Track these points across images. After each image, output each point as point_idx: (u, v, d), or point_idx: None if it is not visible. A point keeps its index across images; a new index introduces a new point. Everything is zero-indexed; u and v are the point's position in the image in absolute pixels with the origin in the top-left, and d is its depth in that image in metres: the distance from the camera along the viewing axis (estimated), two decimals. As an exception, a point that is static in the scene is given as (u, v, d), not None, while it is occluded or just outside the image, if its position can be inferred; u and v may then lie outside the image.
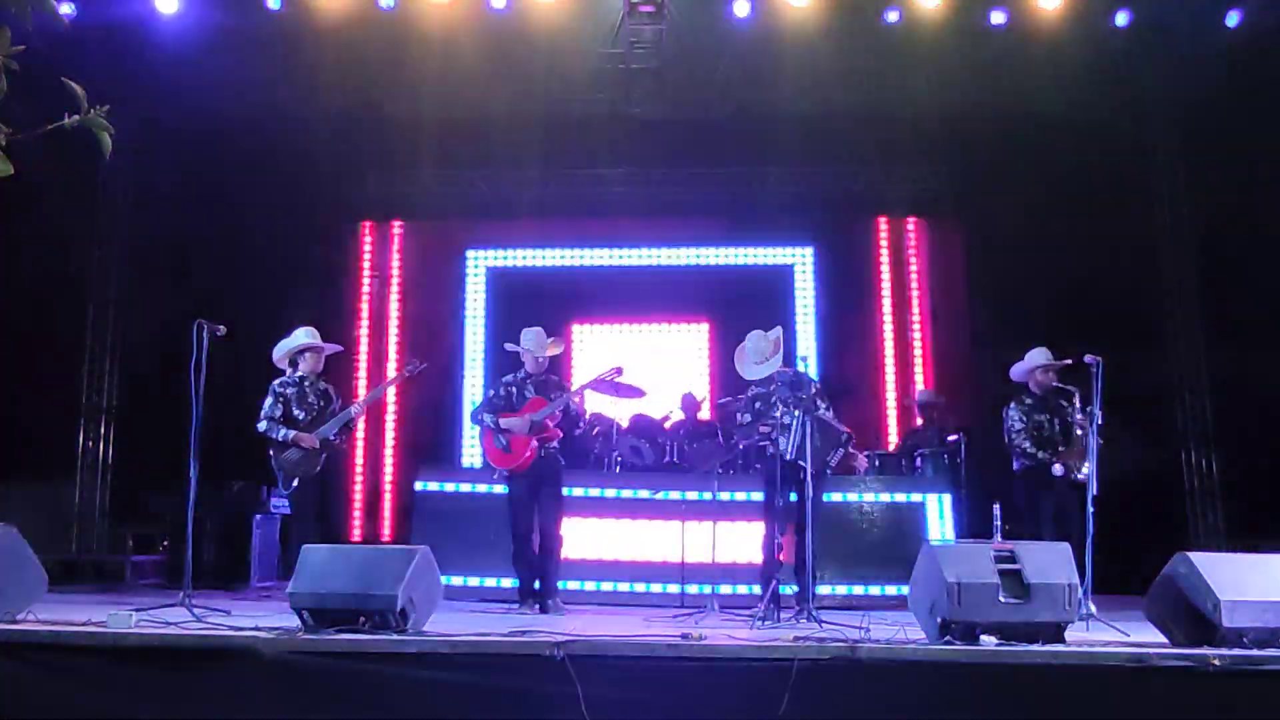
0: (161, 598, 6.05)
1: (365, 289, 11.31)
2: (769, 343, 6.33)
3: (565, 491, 6.65)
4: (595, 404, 8.50)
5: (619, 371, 6.79)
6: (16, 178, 2.16)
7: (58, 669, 4.12)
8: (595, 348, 10.79)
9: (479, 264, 11.33)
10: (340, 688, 4.07)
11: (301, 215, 11.10)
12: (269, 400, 6.39)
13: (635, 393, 7.95)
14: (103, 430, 10.36)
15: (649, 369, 7.17)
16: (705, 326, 11.04)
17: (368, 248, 11.42)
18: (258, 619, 5.03)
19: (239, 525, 8.69)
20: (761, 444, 6.38)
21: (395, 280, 11.32)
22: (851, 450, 6.24)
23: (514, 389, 6.49)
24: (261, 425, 6.34)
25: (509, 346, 6.66)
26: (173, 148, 10.41)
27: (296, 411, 6.37)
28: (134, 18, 9.52)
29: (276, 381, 6.48)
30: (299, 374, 6.49)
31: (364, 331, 11.18)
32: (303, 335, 6.54)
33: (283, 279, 10.98)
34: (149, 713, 4.08)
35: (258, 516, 8.77)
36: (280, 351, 6.57)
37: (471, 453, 10.55)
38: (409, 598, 4.44)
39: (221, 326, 5.74)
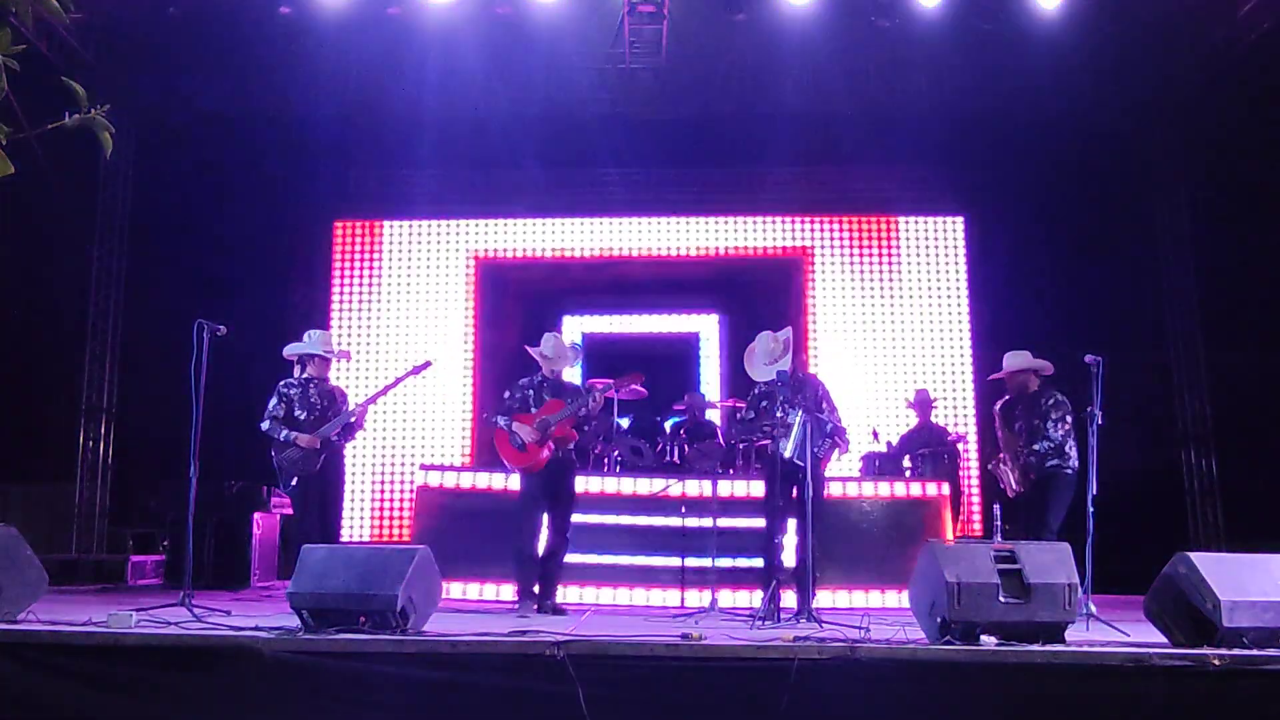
0: (161, 598, 6.06)
1: (365, 288, 11.30)
2: (778, 343, 6.32)
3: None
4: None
5: (639, 378, 6.76)
6: (17, 177, 2.16)
7: (58, 669, 4.12)
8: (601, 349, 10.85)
9: (475, 262, 11.35)
10: (340, 688, 4.07)
11: (302, 214, 11.13)
12: (273, 400, 6.42)
13: (636, 393, 7.95)
14: (103, 430, 10.36)
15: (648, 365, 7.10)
16: (713, 318, 11.08)
17: (368, 247, 11.42)
18: (258, 619, 5.03)
19: (239, 525, 8.69)
20: (762, 444, 6.38)
21: (395, 279, 11.31)
22: (838, 441, 6.21)
23: (530, 392, 6.49)
24: (264, 424, 6.37)
25: (530, 350, 6.65)
26: (173, 147, 10.42)
27: (298, 412, 6.39)
28: (134, 15, 9.52)
29: (282, 382, 6.52)
30: (305, 375, 6.50)
31: (363, 330, 11.17)
32: (311, 341, 6.54)
33: (283, 278, 11.00)
34: (149, 713, 4.08)
35: (258, 516, 8.77)
36: (289, 352, 6.60)
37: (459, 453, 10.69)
38: (409, 598, 4.44)
39: (221, 326, 5.74)
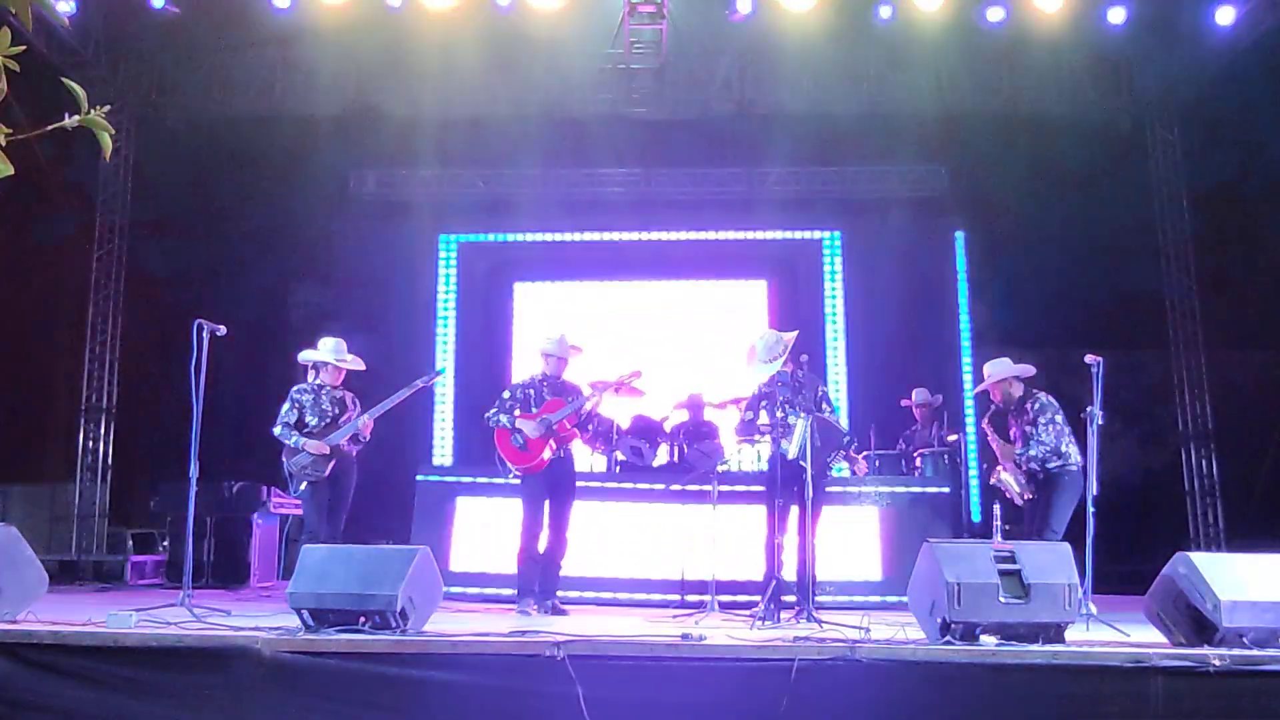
0: (161, 598, 6.05)
1: (366, 289, 11.28)
2: (781, 343, 6.29)
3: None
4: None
5: (638, 375, 6.75)
6: (17, 177, 2.15)
7: (58, 669, 4.12)
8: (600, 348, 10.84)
9: (473, 257, 11.38)
10: (340, 688, 4.07)
11: (301, 214, 11.12)
12: (285, 405, 6.43)
13: (635, 393, 7.93)
14: (103, 430, 10.35)
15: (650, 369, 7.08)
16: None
17: (369, 247, 11.40)
18: (258, 619, 5.03)
19: (239, 525, 8.69)
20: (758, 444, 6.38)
21: (395, 280, 11.30)
22: (851, 454, 6.22)
23: (531, 391, 6.47)
24: (277, 430, 6.37)
25: (536, 348, 6.63)
26: (173, 148, 10.42)
27: (310, 418, 6.39)
28: (134, 15, 9.52)
29: (295, 388, 6.52)
30: (317, 381, 6.50)
31: (365, 332, 11.15)
32: (324, 349, 6.53)
33: (283, 278, 11.01)
34: (149, 713, 4.08)
35: (258, 516, 8.77)
36: (303, 359, 6.60)
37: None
38: (409, 598, 4.44)
39: (221, 326, 5.74)
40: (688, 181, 11.47)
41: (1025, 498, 6.20)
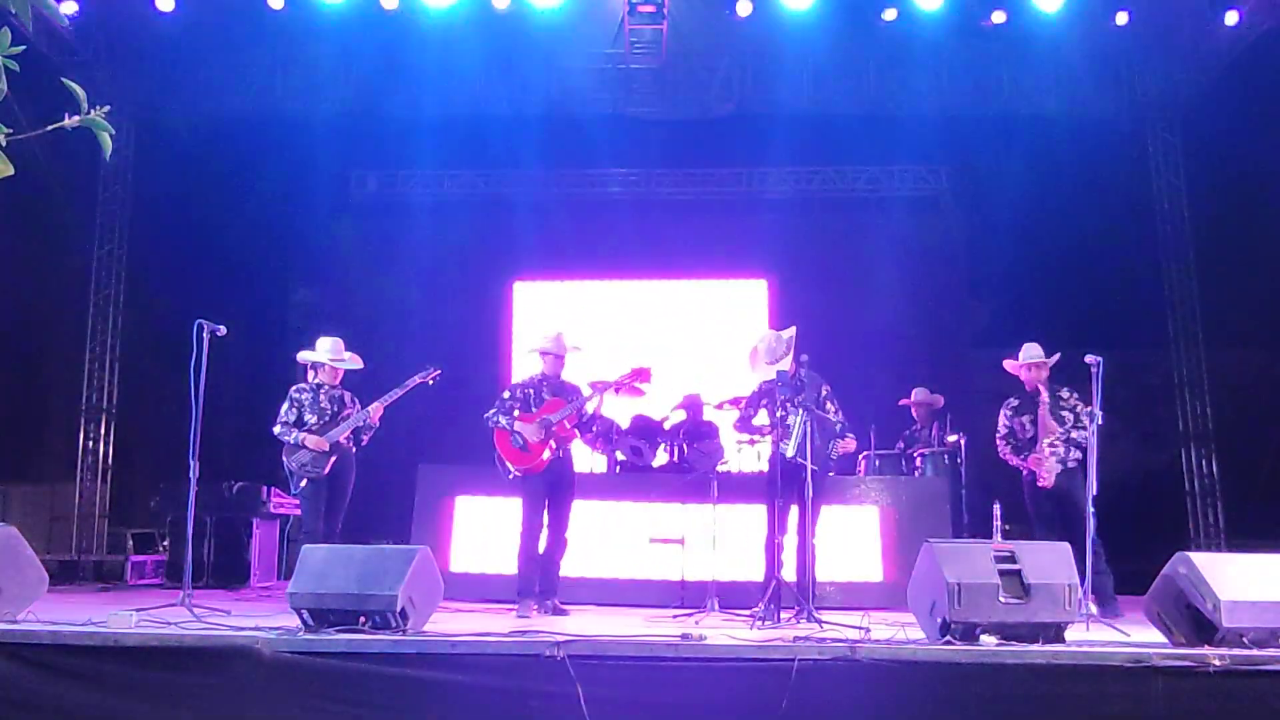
0: (161, 598, 6.06)
1: (367, 289, 11.28)
2: (782, 343, 6.29)
3: None
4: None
5: (641, 376, 6.73)
6: (17, 177, 2.16)
7: (58, 669, 4.12)
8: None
9: (476, 261, 11.35)
10: (340, 688, 4.07)
11: (301, 214, 11.12)
12: (284, 405, 6.46)
13: (635, 393, 7.92)
14: (103, 430, 10.36)
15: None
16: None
17: (369, 247, 11.40)
18: (258, 619, 5.04)
19: (239, 525, 8.70)
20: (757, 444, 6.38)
21: (396, 280, 11.28)
22: (844, 438, 6.21)
23: (530, 391, 6.46)
24: (276, 429, 6.40)
25: (531, 349, 6.62)
26: (173, 148, 10.42)
27: (308, 416, 6.42)
28: (134, 15, 9.53)
29: (294, 387, 6.54)
30: (316, 381, 6.52)
31: (365, 331, 11.13)
32: (321, 348, 6.55)
33: (283, 278, 11.00)
34: (149, 713, 4.08)
35: (257, 517, 8.78)
36: (301, 358, 6.62)
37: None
38: (409, 598, 4.44)
39: (221, 326, 5.76)
40: (688, 181, 11.47)
41: (1047, 481, 6.26)
